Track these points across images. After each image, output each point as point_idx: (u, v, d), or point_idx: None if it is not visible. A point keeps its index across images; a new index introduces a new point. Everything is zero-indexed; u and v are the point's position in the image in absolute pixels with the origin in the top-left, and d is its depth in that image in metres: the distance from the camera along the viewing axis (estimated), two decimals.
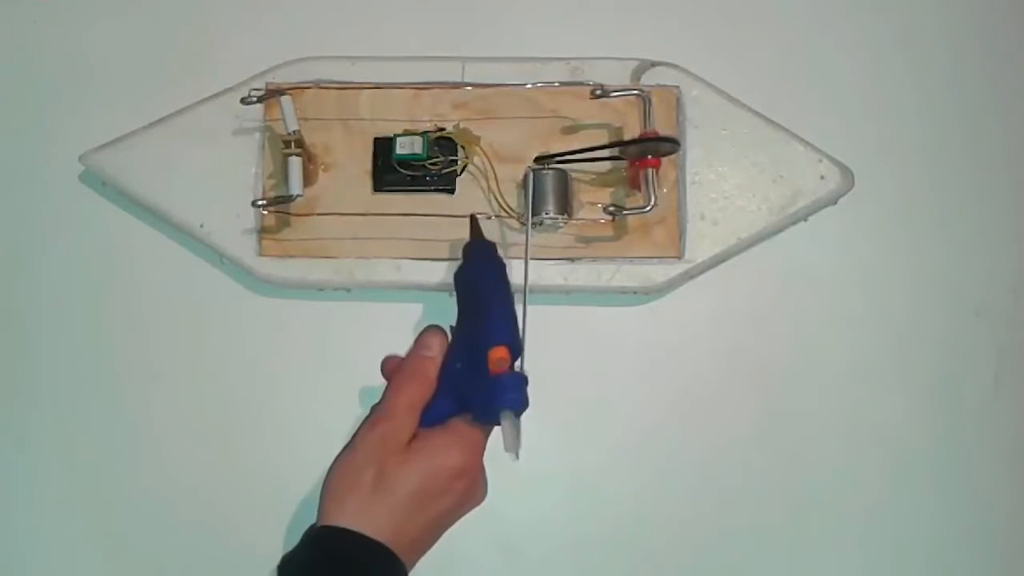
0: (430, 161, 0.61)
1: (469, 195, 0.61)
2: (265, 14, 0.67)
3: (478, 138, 0.61)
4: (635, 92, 0.61)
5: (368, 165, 0.62)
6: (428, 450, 0.51)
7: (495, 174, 0.61)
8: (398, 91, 0.63)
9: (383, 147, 0.61)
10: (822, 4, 0.67)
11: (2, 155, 0.66)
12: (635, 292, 0.62)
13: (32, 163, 0.66)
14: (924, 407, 0.63)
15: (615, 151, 0.60)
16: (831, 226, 0.64)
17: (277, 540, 0.60)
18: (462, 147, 0.61)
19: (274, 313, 0.64)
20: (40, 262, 0.65)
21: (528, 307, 0.53)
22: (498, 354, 0.51)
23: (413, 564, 0.51)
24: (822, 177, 0.62)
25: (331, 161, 0.62)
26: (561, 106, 0.62)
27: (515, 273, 0.57)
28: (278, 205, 0.60)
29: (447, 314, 0.56)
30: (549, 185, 0.59)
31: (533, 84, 0.63)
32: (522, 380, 0.51)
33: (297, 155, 0.59)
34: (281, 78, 0.63)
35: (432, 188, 0.61)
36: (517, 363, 0.52)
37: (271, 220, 0.62)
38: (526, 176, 0.60)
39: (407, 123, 0.62)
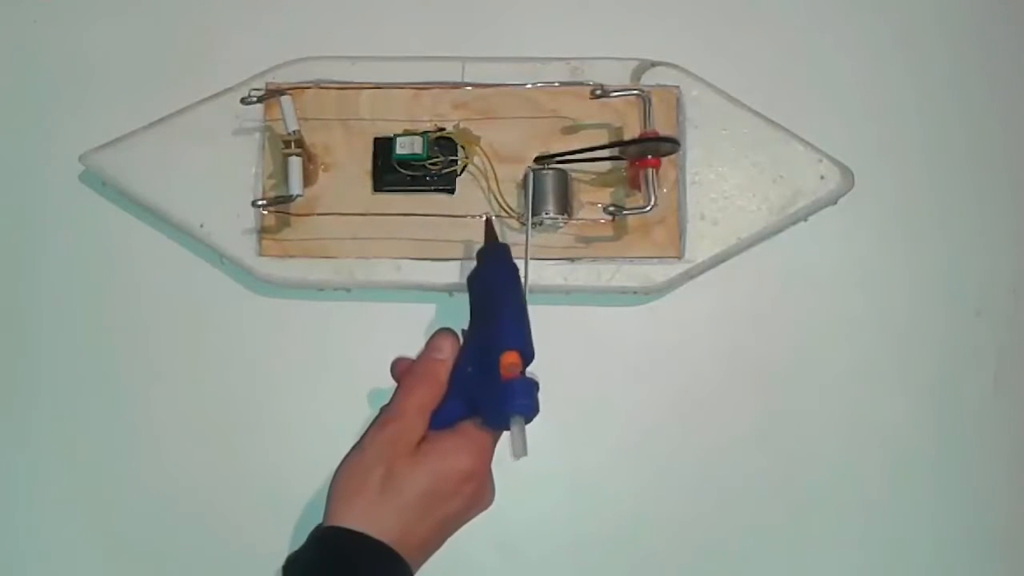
0: (430, 161, 0.60)
1: (469, 195, 0.61)
2: (265, 14, 0.67)
3: (478, 138, 0.61)
4: (635, 92, 0.61)
5: (368, 165, 0.62)
6: (438, 452, 0.51)
7: (495, 174, 0.61)
8: (398, 91, 0.63)
9: (383, 147, 0.61)
10: (822, 4, 0.67)
11: (2, 155, 0.66)
12: (635, 292, 0.62)
13: (32, 163, 0.66)
14: (924, 407, 0.63)
15: (615, 151, 0.60)
16: (831, 226, 0.64)
17: (277, 540, 0.60)
18: (462, 147, 0.61)
19: (274, 313, 0.64)
20: (40, 262, 0.65)
21: (528, 307, 0.53)
22: (510, 359, 0.51)
23: (419, 566, 0.51)
24: (822, 177, 0.62)
25: (331, 161, 0.62)
26: (561, 106, 0.62)
27: None
28: (278, 205, 0.60)
29: (447, 314, 0.56)
30: (549, 185, 0.59)
31: (533, 84, 0.63)
32: (533, 386, 0.51)
33: (297, 155, 0.59)
34: (281, 78, 0.63)
35: (432, 188, 0.61)
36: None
37: (271, 220, 0.62)
38: (526, 176, 0.60)
39: (407, 123, 0.62)
